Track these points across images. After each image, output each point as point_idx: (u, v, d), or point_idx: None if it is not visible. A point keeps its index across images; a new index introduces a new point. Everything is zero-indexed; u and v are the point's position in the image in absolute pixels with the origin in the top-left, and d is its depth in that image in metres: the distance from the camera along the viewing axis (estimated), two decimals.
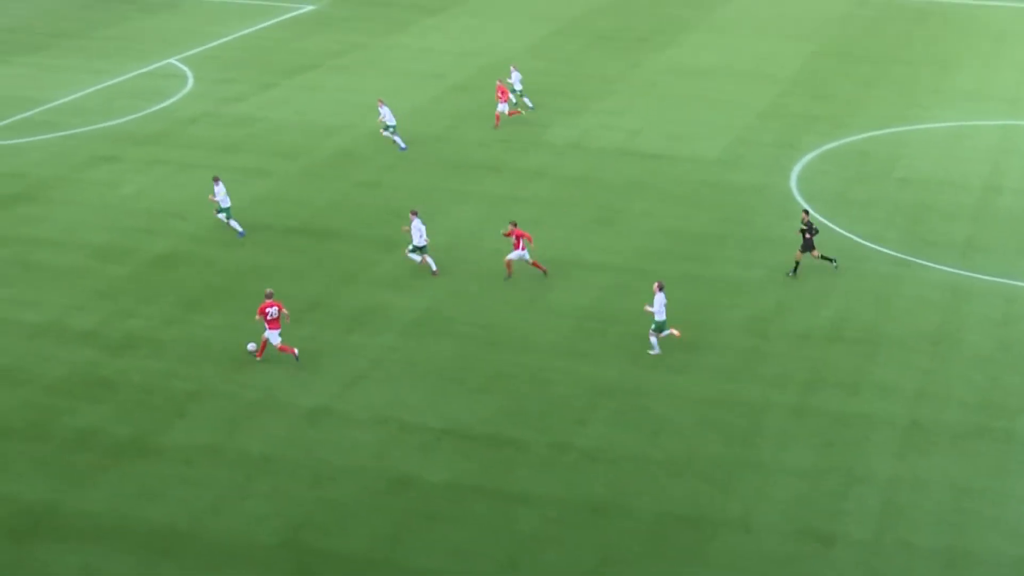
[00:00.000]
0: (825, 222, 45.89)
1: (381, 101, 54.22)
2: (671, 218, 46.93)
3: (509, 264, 41.71)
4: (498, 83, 57.33)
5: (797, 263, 42.16)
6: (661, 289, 37.11)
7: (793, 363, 36.94)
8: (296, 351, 36.79)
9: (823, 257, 42.21)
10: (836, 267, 42.36)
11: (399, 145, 53.65)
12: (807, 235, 41.61)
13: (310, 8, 78.32)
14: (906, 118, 57.77)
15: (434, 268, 42.21)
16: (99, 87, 62.21)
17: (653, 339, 37.42)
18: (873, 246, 44.41)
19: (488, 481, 31.52)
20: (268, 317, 36.53)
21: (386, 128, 53.75)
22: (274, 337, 36.66)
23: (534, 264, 41.74)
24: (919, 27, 74.00)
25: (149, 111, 58.51)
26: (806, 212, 42.25)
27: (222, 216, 45.30)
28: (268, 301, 36.62)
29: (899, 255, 43.73)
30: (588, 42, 70.58)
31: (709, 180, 50.50)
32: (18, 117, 57.80)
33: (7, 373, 36.26)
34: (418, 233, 42.02)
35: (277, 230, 45.68)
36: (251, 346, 37.26)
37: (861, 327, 38.90)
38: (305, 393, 35.24)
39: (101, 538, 29.31)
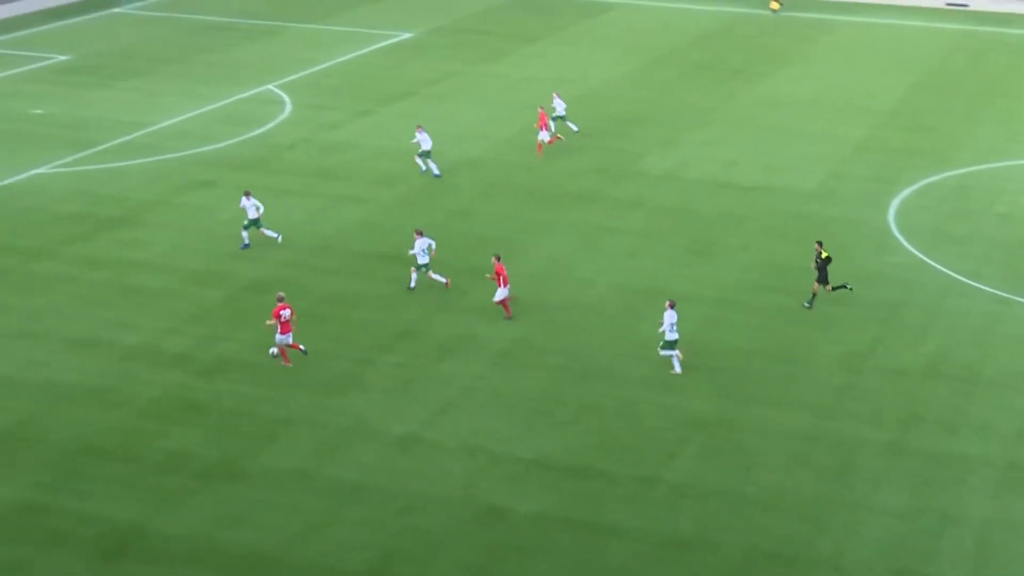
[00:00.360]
0: (923, 257, 45.26)
1: (420, 127, 54.18)
2: (765, 251, 46.46)
3: (505, 304, 41.09)
4: (540, 110, 57.20)
5: (814, 294, 41.72)
6: (672, 307, 37.17)
7: (888, 400, 36.33)
8: (303, 347, 38.30)
9: (833, 288, 41.69)
10: (841, 289, 41.90)
11: (432, 171, 53.60)
12: (821, 268, 41.26)
13: (407, 36, 78.68)
14: (1008, 153, 56.90)
15: (443, 280, 42.79)
16: (199, 112, 62.84)
17: (667, 354, 37.73)
18: (972, 283, 43.67)
19: (576, 513, 31.23)
20: (281, 319, 37.52)
21: (420, 154, 53.69)
22: (286, 339, 37.83)
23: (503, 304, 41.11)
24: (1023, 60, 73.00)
25: (247, 136, 58.99)
26: (819, 243, 41.70)
27: (263, 229, 46.47)
28: (281, 304, 37.69)
29: (999, 292, 42.97)
30: (684, 72, 70.28)
31: (804, 213, 49.98)
32: (120, 140, 58.49)
33: (101, 394, 36.54)
34: (421, 251, 42.28)
35: (370, 257, 45.75)
36: (273, 351, 38.32)
37: (959, 365, 38.21)
38: (396, 421, 35.18)
39: (188, 560, 29.36)
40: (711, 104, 64.35)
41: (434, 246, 42.71)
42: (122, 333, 40.10)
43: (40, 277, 44.04)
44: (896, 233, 47.91)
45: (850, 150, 57.36)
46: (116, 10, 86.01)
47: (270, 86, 67.32)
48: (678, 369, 37.61)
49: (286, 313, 37.70)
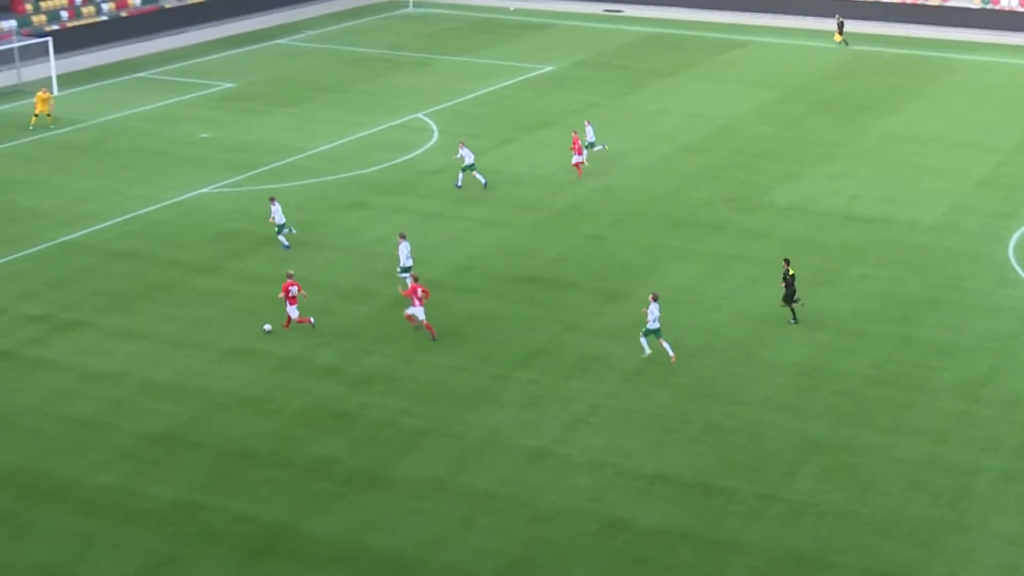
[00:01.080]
0: None
1: (463, 143, 56.03)
2: (886, 281, 45.84)
3: (412, 318, 41.31)
4: (574, 135, 58.13)
5: (793, 311, 42.25)
6: (655, 300, 39.15)
7: (1005, 428, 35.64)
8: (312, 319, 41.39)
9: (792, 310, 42.27)
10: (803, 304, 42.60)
11: (480, 181, 55.44)
12: (788, 286, 41.87)
13: (550, 69, 78.98)
14: None
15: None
16: (353, 138, 63.71)
17: (644, 341, 39.61)
18: None
19: (698, 528, 31.10)
20: (289, 295, 40.84)
21: (465, 168, 55.36)
22: (293, 311, 40.91)
23: (426, 325, 40.98)
24: None
25: (397, 161, 59.66)
26: (787, 261, 42.35)
27: (281, 235, 48.51)
28: (289, 281, 40.99)
29: None
30: (812, 108, 69.62)
31: (925, 245, 49.23)
32: (279, 163, 59.51)
33: (257, 402, 37.19)
34: (404, 255, 43.94)
35: (508, 279, 46.01)
36: (267, 327, 41.22)
37: None
38: (528, 434, 35.33)
39: (332, 561, 29.77)
40: (837, 139, 63.66)
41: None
42: (276, 345, 40.77)
43: (202, 290, 44.96)
44: (1016, 267, 46.97)
45: (972, 185, 56.39)
46: (278, 41, 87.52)
47: (419, 114, 68.04)
48: (648, 351, 39.59)
49: (294, 289, 40.79)
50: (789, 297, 42.10)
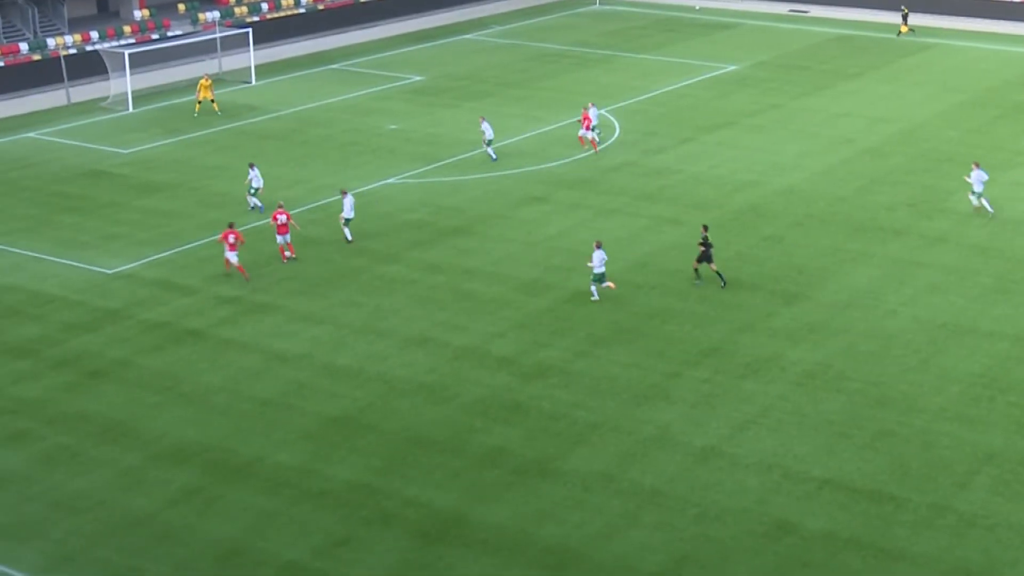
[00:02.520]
0: None
1: (483, 118, 59.35)
2: None
3: (228, 263, 45.13)
4: (583, 111, 60.57)
5: (696, 270, 44.78)
6: (599, 247, 42.72)
7: None
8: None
9: (717, 272, 44.48)
10: (723, 286, 44.36)
11: (491, 156, 58.65)
12: (704, 248, 44.21)
13: (732, 68, 78.21)
14: None
15: (349, 238, 48.15)
16: (535, 133, 63.93)
17: (593, 287, 43.13)
18: None
19: (865, 535, 30.51)
20: (278, 223, 45.31)
21: (487, 143, 58.49)
22: (233, 257, 44.88)
23: (239, 268, 45.19)
24: None
25: (578, 158, 59.68)
26: (705, 227, 44.98)
27: (252, 198, 52.11)
28: (279, 210, 45.71)
29: None
30: (1000, 113, 67.65)
31: None
32: (463, 156, 60.02)
33: (433, 390, 37.60)
34: (348, 206, 47.96)
35: (685, 277, 45.66)
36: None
37: None
38: (698, 433, 35.07)
39: (500, 550, 29.95)
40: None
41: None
42: (454, 334, 41.16)
43: (385, 278, 45.60)
44: None
45: None
46: (466, 36, 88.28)
47: (602, 111, 67.92)
48: (596, 296, 43.16)
49: (282, 218, 45.64)
50: (702, 258, 44.35)
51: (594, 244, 43.25)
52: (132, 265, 46.81)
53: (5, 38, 75.48)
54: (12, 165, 59.08)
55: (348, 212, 48.40)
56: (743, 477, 32.91)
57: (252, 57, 76.26)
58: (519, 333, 41.27)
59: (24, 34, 76.17)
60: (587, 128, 59.94)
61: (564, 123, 65.41)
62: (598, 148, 60.39)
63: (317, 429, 35.33)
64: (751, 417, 35.92)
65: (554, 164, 58.65)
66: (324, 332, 41.32)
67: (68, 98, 70.35)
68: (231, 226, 45.62)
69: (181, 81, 74.52)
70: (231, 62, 77.33)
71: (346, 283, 45.16)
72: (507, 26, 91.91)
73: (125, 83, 69.04)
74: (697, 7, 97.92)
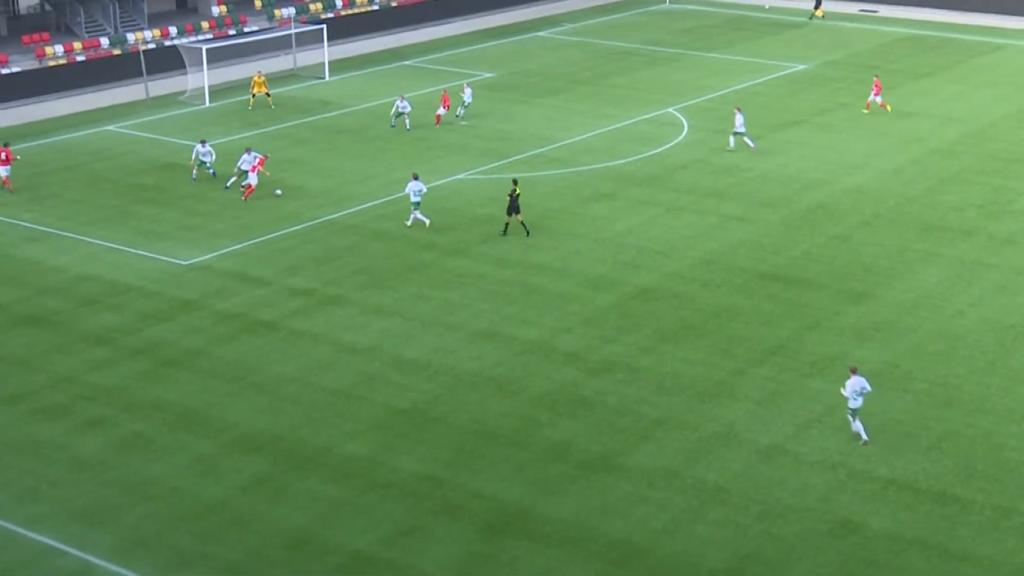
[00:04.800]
0: None
1: (467, 84, 66.07)
2: None
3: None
4: (444, 93, 66.09)
5: (507, 224, 48.35)
6: (416, 178, 49.17)
7: None
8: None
9: (522, 223, 48.19)
10: (528, 235, 48.22)
11: (458, 116, 64.27)
12: (511, 199, 47.71)
13: (802, 67, 77.60)
14: None
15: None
16: (605, 130, 63.76)
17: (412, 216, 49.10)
18: None
19: (930, 535, 30.15)
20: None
21: (463, 105, 64.59)
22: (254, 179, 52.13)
23: (5, 181, 52.73)
24: None
25: (646, 155, 59.46)
26: (515, 182, 48.58)
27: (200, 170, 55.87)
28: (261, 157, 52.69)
29: None
30: None
31: None
32: (533, 152, 59.98)
33: (501, 383, 37.59)
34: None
35: (752, 275, 45.38)
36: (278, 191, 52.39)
37: None
38: (763, 431, 34.82)
39: (564, 543, 29.87)
40: None
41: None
42: (522, 329, 41.13)
43: (454, 272, 45.65)
44: None
45: None
46: (538, 33, 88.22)
47: (670, 109, 67.67)
48: (409, 223, 48.84)
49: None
50: (510, 209, 47.98)
51: (412, 175, 49.66)
52: (207, 256, 47.18)
53: (87, 33, 76.33)
54: (93, 157, 59.75)
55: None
56: (807, 475, 32.63)
57: (326, 53, 76.61)
58: (586, 328, 41.16)
59: (105, 29, 76.98)
60: (445, 106, 64.42)
61: (633, 120, 65.19)
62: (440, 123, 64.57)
63: (386, 420, 35.44)
64: (816, 416, 35.60)
65: (623, 161, 58.47)
66: (393, 325, 41.44)
67: (147, 92, 71.04)
68: (6, 145, 54.33)
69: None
70: (305, 58, 77.74)
71: (416, 276, 45.26)
72: (579, 23, 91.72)
73: (202, 78, 69.60)
74: (768, 6, 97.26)
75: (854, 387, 33.87)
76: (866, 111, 66.50)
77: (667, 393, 36.91)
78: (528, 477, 32.57)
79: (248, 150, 54.10)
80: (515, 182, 48.82)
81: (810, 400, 36.47)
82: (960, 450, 33.87)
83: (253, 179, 52.53)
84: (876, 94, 66.06)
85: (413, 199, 49.30)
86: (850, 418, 34.26)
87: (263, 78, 68.22)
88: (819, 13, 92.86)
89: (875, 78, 68.03)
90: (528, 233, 48.31)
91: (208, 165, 55.62)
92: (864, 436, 34.04)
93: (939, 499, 31.64)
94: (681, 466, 33.07)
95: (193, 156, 55.86)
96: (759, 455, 33.60)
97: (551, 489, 32.04)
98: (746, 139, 59.55)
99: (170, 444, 34.21)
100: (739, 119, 59.36)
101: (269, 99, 68.16)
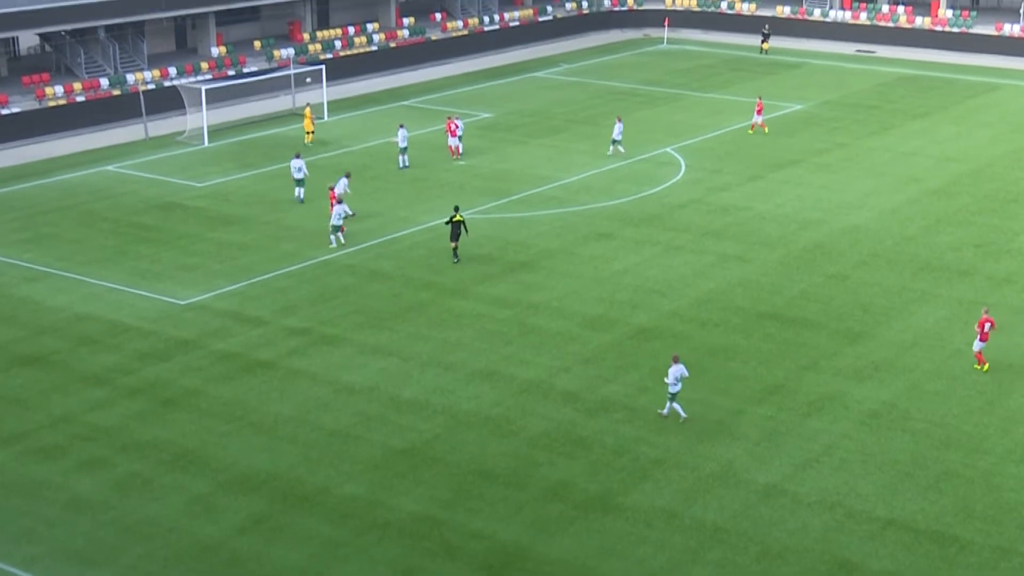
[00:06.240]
0: None
1: (401, 125, 65.02)
2: None
3: None
4: (448, 120, 66.78)
5: (454, 249, 50.07)
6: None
7: None
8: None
9: (455, 251, 50.19)
10: (456, 262, 50.01)
11: (400, 164, 63.90)
12: (452, 225, 49.68)
13: (799, 107, 77.91)
14: None
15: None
16: (603, 170, 63.94)
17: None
18: None
19: None
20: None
21: (401, 151, 63.70)
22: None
23: None
24: None
25: (644, 194, 59.61)
26: (456, 209, 50.53)
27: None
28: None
29: None
30: None
31: None
32: (531, 192, 60.12)
33: (499, 423, 37.57)
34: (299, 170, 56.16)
35: (750, 314, 45.43)
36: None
37: None
38: (761, 470, 34.78)
39: None
40: None
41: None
42: (520, 368, 41.14)
43: (452, 312, 45.68)
44: None
45: None
46: (536, 74, 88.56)
47: (668, 149, 67.90)
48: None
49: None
50: (453, 236, 49.88)
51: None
52: (205, 296, 47.22)
53: (86, 73, 76.65)
54: (92, 197, 59.89)
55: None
56: (806, 516, 32.58)
57: (325, 93, 76.92)
58: (584, 368, 41.17)
59: (105, 70, 77.30)
60: (454, 136, 65.62)
61: (631, 160, 65.38)
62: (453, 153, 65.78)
63: (383, 460, 35.39)
64: (814, 455, 35.57)
65: (621, 201, 58.62)
66: (391, 364, 41.44)
67: (146, 132, 71.25)
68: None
69: (256, 116, 75.28)
70: (305, 98, 78.00)
71: (413, 316, 45.29)
72: (576, 64, 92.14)
73: (201, 118, 69.84)
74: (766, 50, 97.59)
75: (675, 374, 36.70)
76: (751, 132, 70.94)
77: (665, 433, 36.88)
78: (526, 517, 32.51)
79: (297, 155, 58.56)
80: (456, 209, 50.78)
81: (808, 440, 36.44)
82: (959, 490, 33.83)
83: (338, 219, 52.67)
84: (758, 113, 70.65)
85: (334, 222, 52.13)
86: (669, 402, 37.16)
87: (310, 111, 68.86)
88: (766, 47, 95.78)
89: (758, 99, 72.51)
90: (456, 260, 50.21)
91: (302, 183, 58.07)
92: (683, 414, 37.18)
93: (938, 540, 31.58)
94: (679, 506, 33.01)
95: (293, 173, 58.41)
96: (757, 495, 33.55)
97: (549, 529, 31.98)
98: (620, 147, 65.75)
99: (167, 484, 34.16)
100: (618, 127, 65.74)
101: (308, 136, 68.60)
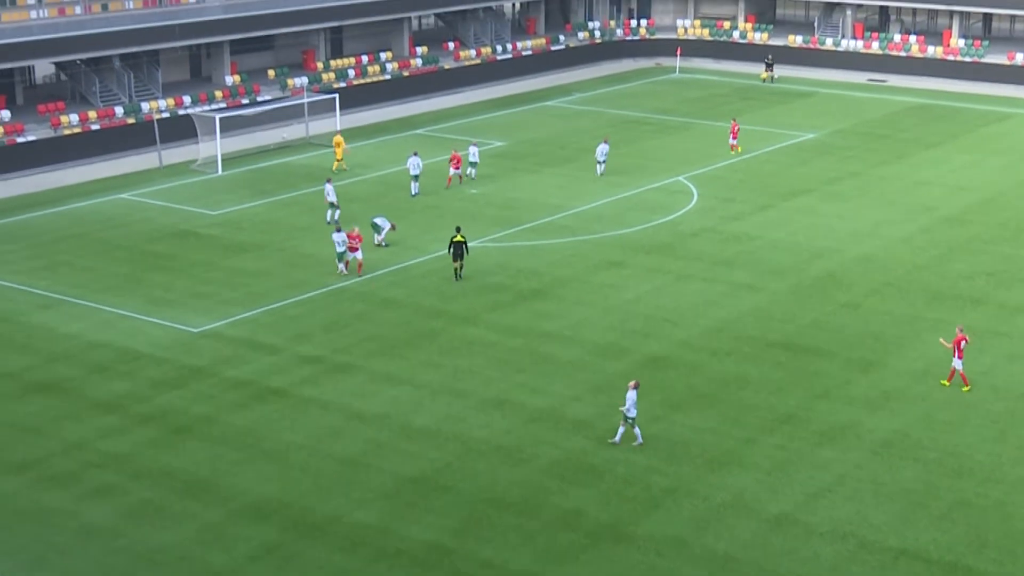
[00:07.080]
0: None
1: (415, 152, 65.87)
2: None
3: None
4: (453, 152, 66.94)
5: (455, 271, 51.00)
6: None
7: None
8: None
9: (455, 270, 51.17)
10: (457, 280, 50.91)
11: (412, 191, 64.46)
12: (453, 247, 50.73)
13: (811, 136, 77.95)
14: None
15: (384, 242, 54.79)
16: (614, 198, 63.99)
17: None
18: None
19: None
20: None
21: (413, 178, 64.24)
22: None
23: None
24: None
25: (656, 223, 59.64)
26: (458, 229, 51.57)
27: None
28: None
29: None
30: None
31: None
32: (542, 220, 60.18)
33: (510, 451, 37.52)
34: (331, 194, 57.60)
35: (762, 343, 45.36)
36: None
37: None
38: (772, 500, 34.67)
39: None
40: None
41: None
42: (531, 397, 41.11)
43: (464, 340, 45.68)
44: None
45: None
46: (548, 103, 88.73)
47: (680, 177, 67.95)
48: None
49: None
50: (456, 256, 50.80)
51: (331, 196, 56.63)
52: (218, 324, 47.30)
53: (102, 102, 76.97)
54: (106, 225, 60.08)
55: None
56: (817, 545, 32.45)
57: (338, 122, 77.20)
58: (595, 396, 41.12)
59: (120, 98, 77.63)
60: (456, 166, 65.79)
61: (643, 189, 65.44)
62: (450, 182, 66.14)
63: (394, 489, 35.35)
64: (826, 485, 35.46)
65: (632, 229, 58.64)
66: (403, 393, 41.44)
67: (160, 160, 71.50)
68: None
69: (269, 145, 75.55)
70: (318, 126, 78.28)
71: (425, 344, 45.30)
72: (588, 93, 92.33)
73: (215, 146, 70.08)
74: (773, 77, 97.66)
75: (632, 400, 37.10)
76: (732, 152, 72.64)
77: (676, 462, 36.80)
78: (538, 546, 32.43)
79: (328, 180, 60.07)
80: (458, 229, 51.64)
81: (820, 469, 36.33)
82: (971, 520, 33.69)
83: (360, 253, 52.68)
84: (734, 136, 72.87)
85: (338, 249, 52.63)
86: (629, 426, 37.41)
87: (340, 139, 69.32)
88: (764, 76, 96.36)
89: (733, 120, 74.99)
90: (458, 278, 51.15)
91: (335, 206, 59.28)
92: (639, 439, 37.52)
93: (950, 570, 31.43)
94: (690, 535, 32.91)
95: (327, 196, 59.60)
96: (768, 524, 33.44)
97: (561, 558, 31.89)
98: (600, 166, 67.75)
99: (179, 512, 34.15)
100: (602, 148, 67.85)
101: (337, 163, 69.09)
